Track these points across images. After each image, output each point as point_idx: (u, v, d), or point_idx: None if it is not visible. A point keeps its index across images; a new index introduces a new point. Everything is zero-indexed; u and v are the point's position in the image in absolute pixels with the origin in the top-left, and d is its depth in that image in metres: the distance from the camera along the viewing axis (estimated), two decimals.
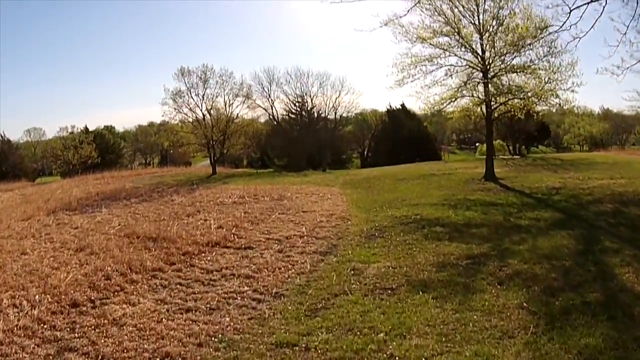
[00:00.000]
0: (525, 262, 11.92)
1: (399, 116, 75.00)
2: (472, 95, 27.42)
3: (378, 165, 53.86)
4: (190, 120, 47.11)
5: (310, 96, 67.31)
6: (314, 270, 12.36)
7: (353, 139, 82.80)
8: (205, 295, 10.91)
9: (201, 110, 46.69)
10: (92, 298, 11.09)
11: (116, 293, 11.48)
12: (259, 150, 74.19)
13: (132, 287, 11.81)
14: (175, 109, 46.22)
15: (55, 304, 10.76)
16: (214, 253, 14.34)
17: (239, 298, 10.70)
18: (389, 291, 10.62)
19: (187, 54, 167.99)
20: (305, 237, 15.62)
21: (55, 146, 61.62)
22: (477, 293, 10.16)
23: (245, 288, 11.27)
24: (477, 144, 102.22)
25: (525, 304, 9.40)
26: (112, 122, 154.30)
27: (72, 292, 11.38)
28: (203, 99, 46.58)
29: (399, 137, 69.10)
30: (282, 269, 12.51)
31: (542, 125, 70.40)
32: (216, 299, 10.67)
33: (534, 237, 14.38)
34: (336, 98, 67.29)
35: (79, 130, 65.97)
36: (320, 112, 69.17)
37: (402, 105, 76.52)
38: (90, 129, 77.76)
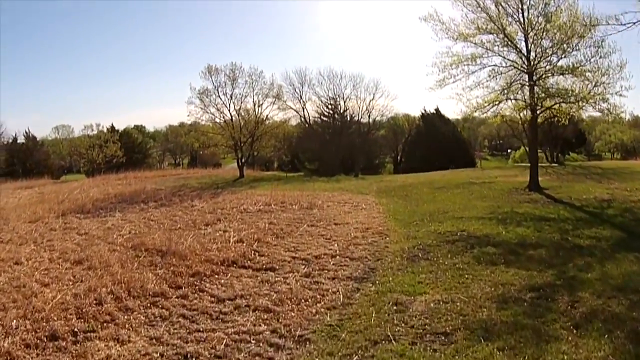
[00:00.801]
0: (599, 296, 9.70)
1: (434, 121, 72.67)
2: (516, 99, 25.76)
3: (412, 171, 52.36)
4: (218, 120, 45.23)
5: (343, 98, 65.09)
6: (348, 303, 9.94)
7: (385, 143, 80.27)
8: (211, 336, 8.59)
9: (229, 111, 44.78)
10: (76, 330, 9.05)
11: (105, 324, 9.35)
12: (290, 153, 72.40)
13: (126, 317, 9.62)
14: (201, 108, 44.25)
15: (33, 333, 8.90)
16: (229, 275, 11.99)
17: (253, 342, 8.34)
18: (443, 338, 8.25)
19: (219, 54, 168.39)
20: (338, 257, 13.24)
21: (79, 144, 60.56)
22: (552, 342, 7.87)
23: (262, 327, 8.91)
24: (509, 150, 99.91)
25: (611, 358, 7.25)
26: (144, 121, 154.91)
27: (55, 318, 9.50)
28: (231, 99, 44.57)
29: (433, 143, 66.65)
30: (309, 300, 10.08)
31: (578, 132, 67.53)
32: (224, 341, 8.36)
33: (599, 261, 12.18)
34: (370, 101, 65.00)
35: (106, 129, 64.73)
36: (353, 115, 66.94)
37: (437, 109, 74.36)
38: (121, 128, 77.14)
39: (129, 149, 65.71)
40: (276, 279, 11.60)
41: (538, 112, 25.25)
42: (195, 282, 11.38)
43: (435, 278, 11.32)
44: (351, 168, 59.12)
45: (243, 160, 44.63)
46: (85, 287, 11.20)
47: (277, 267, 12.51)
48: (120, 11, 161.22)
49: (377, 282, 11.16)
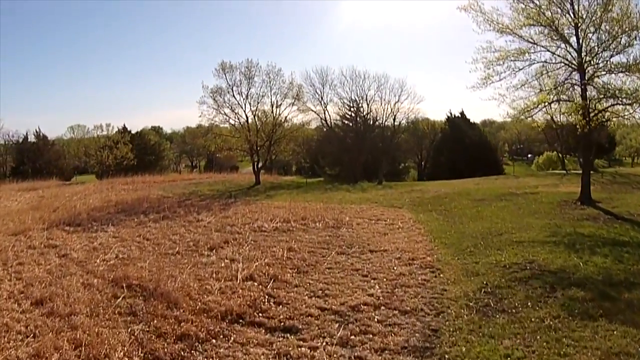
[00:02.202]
0: None
1: (460, 125, 68.90)
2: (568, 100, 23.34)
3: (437, 178, 49.55)
4: (232, 122, 41.67)
5: (366, 100, 61.53)
6: None
7: (408, 148, 76.61)
8: None
9: (244, 111, 41.14)
10: None
11: None
12: (310, 157, 69.19)
13: None
14: (214, 108, 40.60)
15: None
16: (231, 339, 8.33)
17: None
18: None
19: (239, 54, 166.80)
20: (383, 309, 9.67)
21: (89, 144, 57.71)
22: None
23: None
24: (529, 155, 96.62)
25: None
26: (164, 123, 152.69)
27: None
28: (247, 99, 40.90)
29: (460, 148, 62.90)
30: None
31: (610, 137, 64.07)
32: None
33: None
34: (395, 103, 61.44)
35: (117, 129, 61.99)
36: (376, 118, 63.36)
37: (462, 113, 70.78)
38: (140, 129, 74.90)
39: (142, 151, 63.04)
40: (299, 349, 7.91)
41: (592, 115, 22.28)
42: (183, 353, 7.80)
43: (525, 346, 7.95)
44: (374, 174, 55.68)
45: (259, 165, 41.23)
46: (33, 350, 7.99)
47: (300, 327, 8.86)
48: (142, 12, 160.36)
49: (446, 357, 7.60)
